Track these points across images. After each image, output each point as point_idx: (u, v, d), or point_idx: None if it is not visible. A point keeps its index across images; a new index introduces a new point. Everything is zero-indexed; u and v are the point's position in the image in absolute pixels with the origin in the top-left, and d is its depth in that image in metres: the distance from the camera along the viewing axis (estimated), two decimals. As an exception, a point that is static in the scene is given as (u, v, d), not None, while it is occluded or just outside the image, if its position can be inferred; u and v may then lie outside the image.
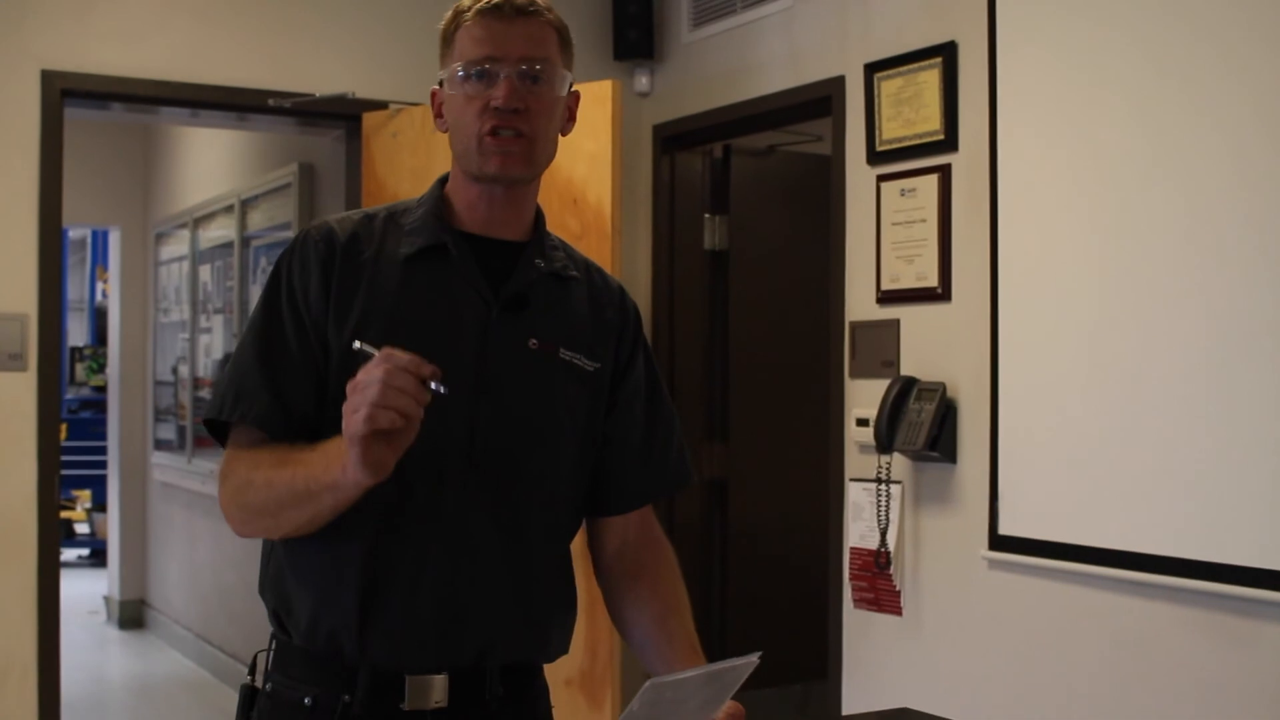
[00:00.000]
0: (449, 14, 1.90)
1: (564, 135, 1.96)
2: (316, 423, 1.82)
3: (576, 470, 1.96)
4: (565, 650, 2.00)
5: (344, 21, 4.61)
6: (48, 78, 4.18)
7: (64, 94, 4.20)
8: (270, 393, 1.82)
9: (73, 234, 11.81)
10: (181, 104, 4.46)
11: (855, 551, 4.08)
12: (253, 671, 1.94)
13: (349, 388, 1.60)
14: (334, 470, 1.65)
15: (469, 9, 1.86)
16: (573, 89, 1.94)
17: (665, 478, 2.07)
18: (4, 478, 4.15)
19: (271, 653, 1.91)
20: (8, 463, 4.15)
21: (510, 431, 1.86)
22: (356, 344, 1.67)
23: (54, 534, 4.26)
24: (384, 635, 1.81)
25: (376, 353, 1.61)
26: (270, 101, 4.47)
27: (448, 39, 1.89)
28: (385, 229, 1.91)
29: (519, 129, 1.83)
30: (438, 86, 1.91)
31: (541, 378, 1.89)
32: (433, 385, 1.60)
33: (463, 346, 1.84)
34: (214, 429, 1.89)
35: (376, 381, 1.57)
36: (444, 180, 1.97)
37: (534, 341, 1.89)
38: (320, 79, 4.54)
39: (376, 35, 4.62)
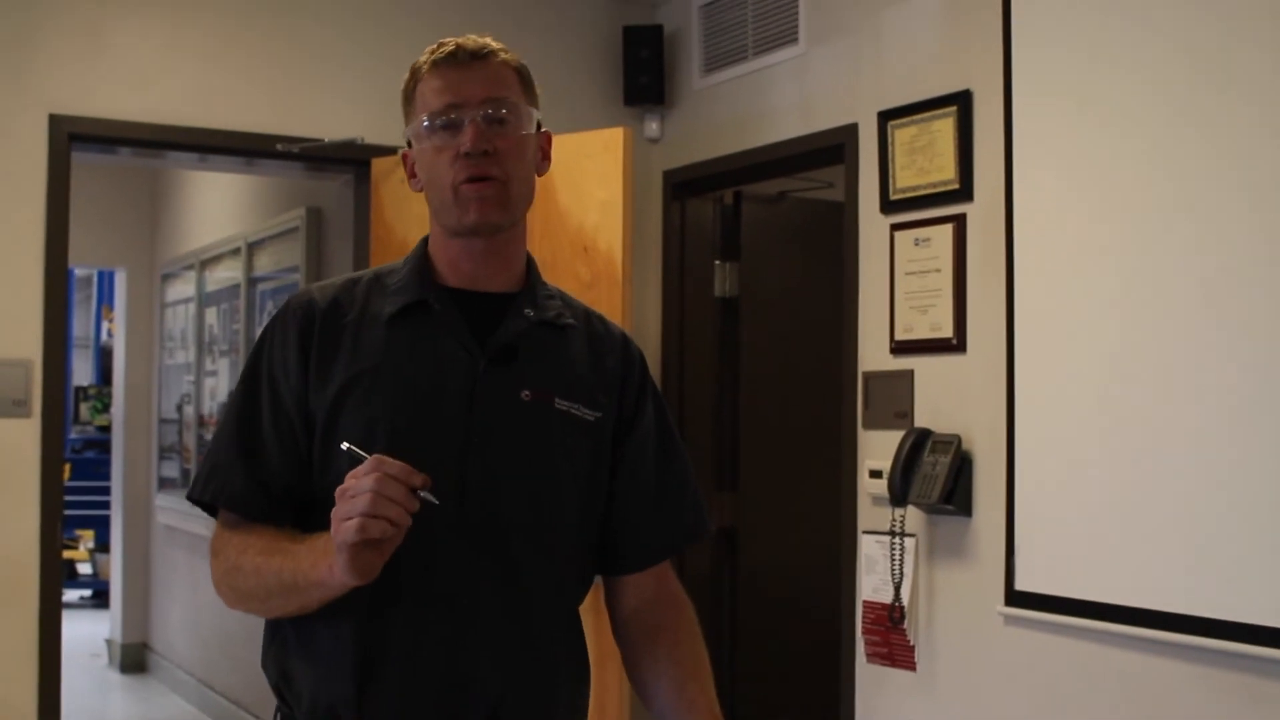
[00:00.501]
0: (407, 74, 1.89)
1: (540, 175, 1.93)
2: (302, 493, 1.80)
3: (581, 524, 1.90)
4: None
5: (353, 66, 4.59)
6: (55, 121, 4.15)
7: (71, 138, 4.17)
8: (245, 473, 1.80)
9: (79, 272, 11.80)
10: (189, 148, 4.43)
11: (868, 605, 4.02)
12: None
13: (338, 493, 1.59)
14: (321, 569, 1.64)
15: (424, 63, 1.85)
16: (542, 129, 1.91)
17: (681, 531, 2.00)
18: (6, 524, 4.10)
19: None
20: (10, 509, 4.10)
21: (504, 488, 1.80)
22: (345, 445, 1.66)
23: (56, 581, 4.20)
24: (384, 710, 1.76)
25: (365, 456, 1.60)
26: (279, 146, 4.44)
27: (409, 97, 1.87)
28: (369, 291, 1.88)
29: (490, 173, 1.80)
30: (407, 148, 1.89)
31: (536, 430, 1.84)
32: (422, 494, 1.59)
33: (450, 403, 1.80)
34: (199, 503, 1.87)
35: (367, 491, 1.56)
36: (428, 240, 1.94)
37: (526, 393, 1.84)
38: (329, 123, 4.51)
39: (386, 80, 4.54)
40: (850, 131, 4.21)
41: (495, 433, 1.81)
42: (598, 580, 2.00)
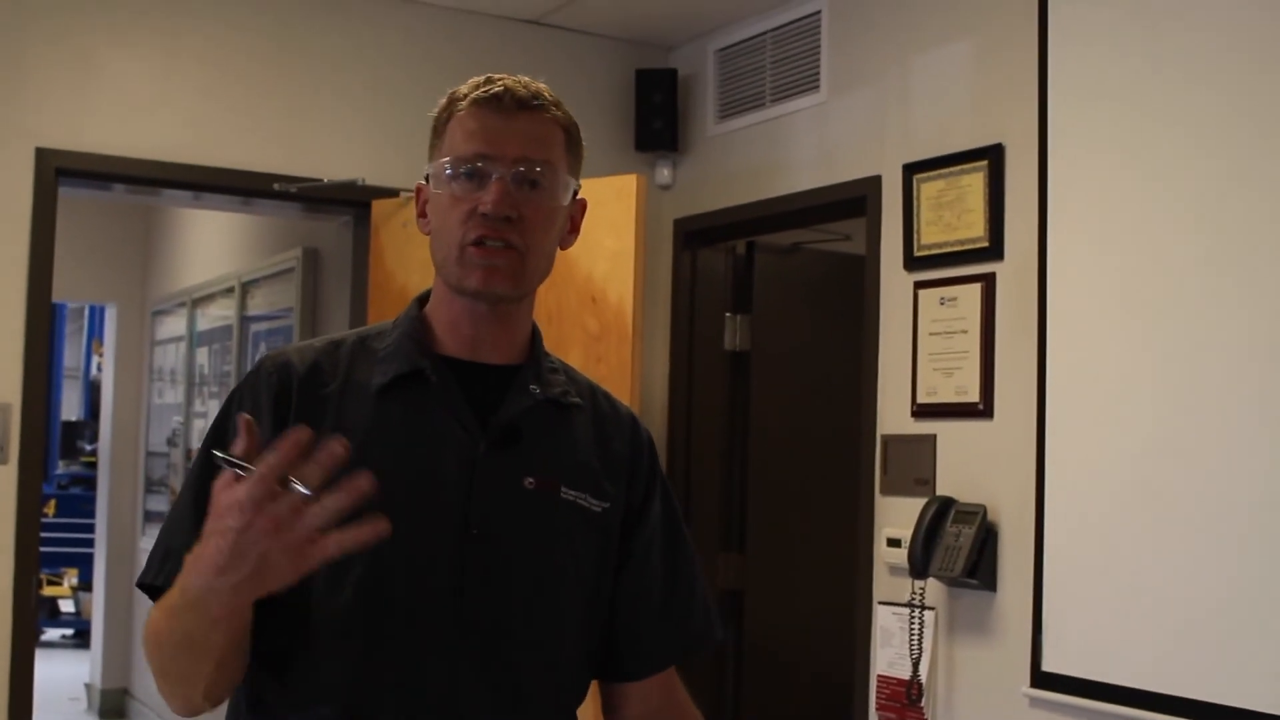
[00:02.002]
0: (443, 100, 1.68)
1: (564, 249, 1.73)
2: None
3: (584, 627, 1.69)
4: None
5: (356, 104, 4.42)
6: (42, 155, 3.97)
7: (59, 173, 3.99)
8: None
9: (71, 303, 11.63)
10: (182, 186, 4.25)
11: (883, 679, 3.82)
12: None
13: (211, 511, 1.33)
14: (187, 578, 1.37)
15: (464, 97, 1.65)
16: (578, 197, 1.71)
17: (690, 637, 1.80)
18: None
19: None
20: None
21: (505, 586, 1.60)
22: (218, 454, 1.36)
23: (29, 635, 4.00)
24: None
25: (247, 467, 1.32)
26: (276, 185, 4.27)
27: (439, 129, 1.67)
28: (354, 357, 1.66)
29: (509, 240, 1.59)
30: (423, 181, 1.68)
31: (540, 521, 1.63)
32: (294, 486, 1.31)
33: (446, 490, 1.59)
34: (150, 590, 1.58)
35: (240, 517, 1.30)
36: (423, 299, 1.72)
37: (530, 480, 1.63)
38: (328, 163, 4.33)
39: (390, 120, 4.42)
40: (873, 184, 4.05)
41: (495, 524, 1.60)
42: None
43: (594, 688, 1.78)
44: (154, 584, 1.56)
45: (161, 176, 4.16)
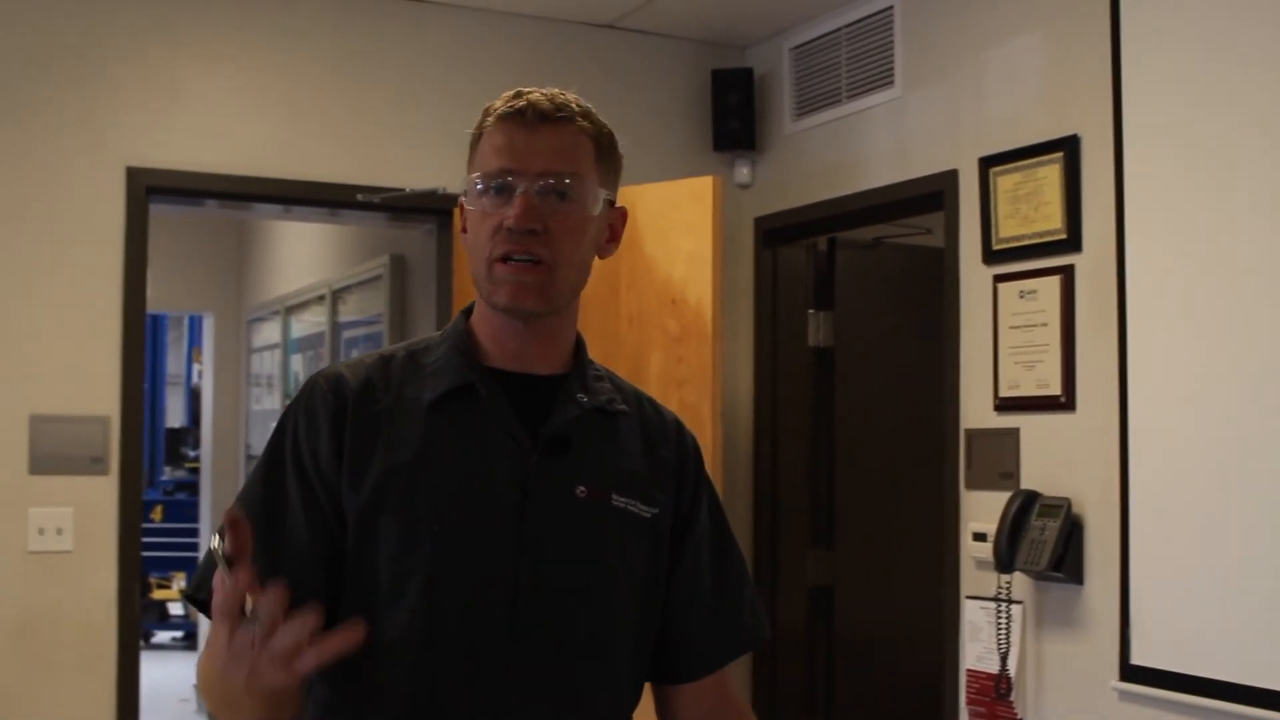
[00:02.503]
0: (480, 115, 1.70)
1: (603, 258, 1.73)
2: (327, 596, 1.58)
3: (639, 634, 1.72)
4: None
5: (433, 114, 4.49)
6: (132, 175, 4.08)
7: (149, 191, 4.10)
8: (271, 580, 1.53)
9: (170, 313, 11.87)
10: (266, 199, 4.35)
11: (972, 674, 3.82)
12: None
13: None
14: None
15: (494, 112, 1.66)
16: (616, 206, 1.71)
17: (740, 638, 1.83)
18: (85, 583, 4.02)
19: None
20: (88, 568, 4.02)
21: (560, 596, 1.62)
22: (214, 542, 1.39)
23: (134, 642, 4.11)
24: None
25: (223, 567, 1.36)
26: (359, 196, 4.35)
27: (473, 144, 1.69)
28: (404, 372, 1.68)
29: (536, 254, 1.60)
30: (463, 197, 1.70)
31: (593, 530, 1.65)
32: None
33: (500, 502, 1.61)
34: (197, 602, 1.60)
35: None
36: (469, 311, 1.75)
37: (582, 489, 1.65)
38: (410, 173, 4.41)
39: (468, 129, 4.48)
40: (950, 178, 4.04)
41: (549, 534, 1.62)
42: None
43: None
44: (200, 597, 1.57)
45: (246, 191, 4.26)
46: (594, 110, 1.69)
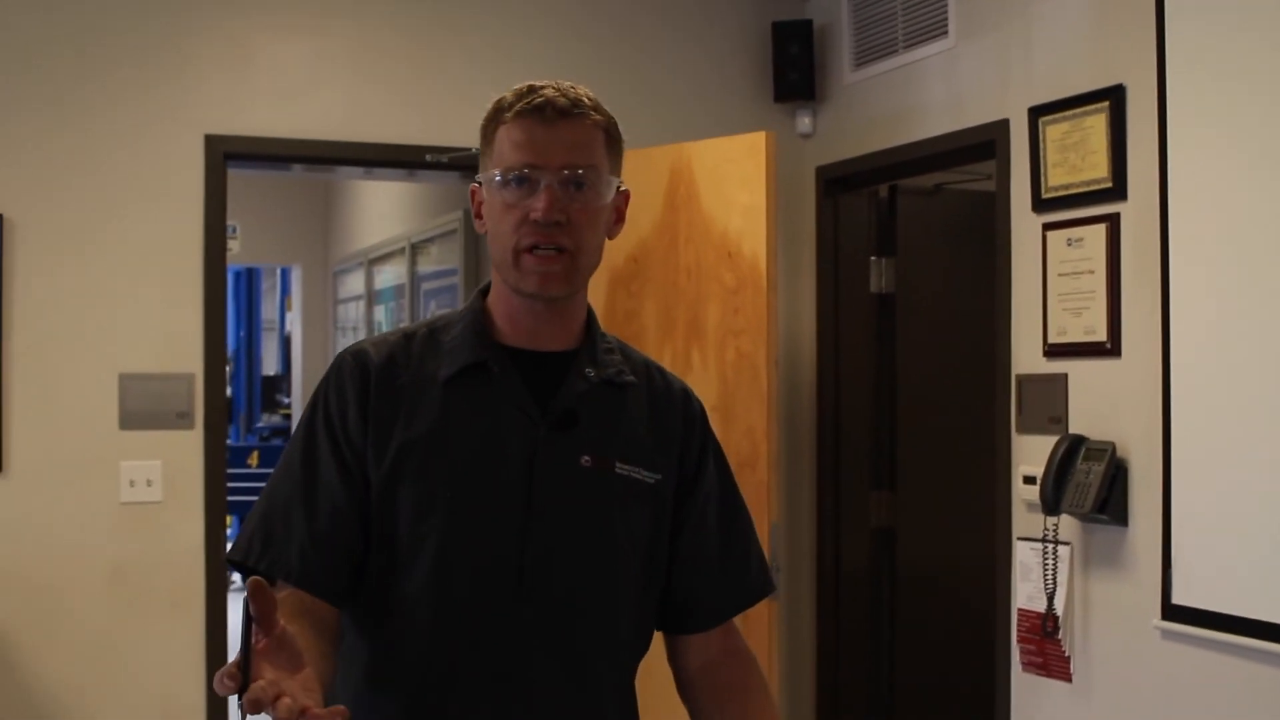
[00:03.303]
0: (490, 108, 1.79)
1: (611, 239, 1.84)
2: (359, 556, 1.74)
3: (642, 591, 1.85)
4: None
5: (499, 73, 4.60)
6: (210, 142, 4.27)
7: (226, 157, 4.28)
8: (309, 543, 1.71)
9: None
10: (338, 162, 4.52)
11: (1023, 613, 3.93)
12: None
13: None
14: None
15: (510, 107, 1.75)
16: (621, 189, 1.83)
17: (747, 590, 1.96)
18: (173, 533, 4.24)
19: None
20: (176, 518, 4.24)
21: (565, 559, 1.76)
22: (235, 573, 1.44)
23: (222, 587, 4.33)
24: None
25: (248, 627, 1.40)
26: (428, 157, 4.50)
27: (487, 136, 1.79)
28: (424, 348, 1.81)
29: (560, 244, 1.72)
30: (476, 184, 1.80)
31: (597, 497, 1.78)
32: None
33: (509, 471, 1.74)
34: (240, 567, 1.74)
35: None
36: (485, 290, 1.87)
37: (587, 459, 1.78)
38: (476, 132, 4.53)
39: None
40: (1001, 128, 4.10)
41: (555, 502, 1.75)
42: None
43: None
44: (244, 563, 1.72)
45: (319, 154, 4.44)
46: (600, 101, 1.80)
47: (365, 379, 1.77)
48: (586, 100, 1.77)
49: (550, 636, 1.75)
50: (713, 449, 1.94)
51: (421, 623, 1.72)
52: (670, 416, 1.89)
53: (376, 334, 1.89)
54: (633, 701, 1.89)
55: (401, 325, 1.94)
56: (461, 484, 1.73)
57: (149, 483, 4.20)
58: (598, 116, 1.77)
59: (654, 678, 1.98)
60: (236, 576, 10.47)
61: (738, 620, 1.98)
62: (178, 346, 4.25)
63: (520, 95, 1.76)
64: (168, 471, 4.24)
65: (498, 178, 1.74)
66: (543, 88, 1.76)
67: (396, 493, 1.73)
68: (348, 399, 1.76)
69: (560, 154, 1.73)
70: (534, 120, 1.73)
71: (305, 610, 1.66)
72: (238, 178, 4.48)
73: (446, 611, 1.72)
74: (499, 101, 1.78)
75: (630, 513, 1.81)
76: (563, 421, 1.78)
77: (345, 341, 8.01)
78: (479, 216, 1.82)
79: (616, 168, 1.81)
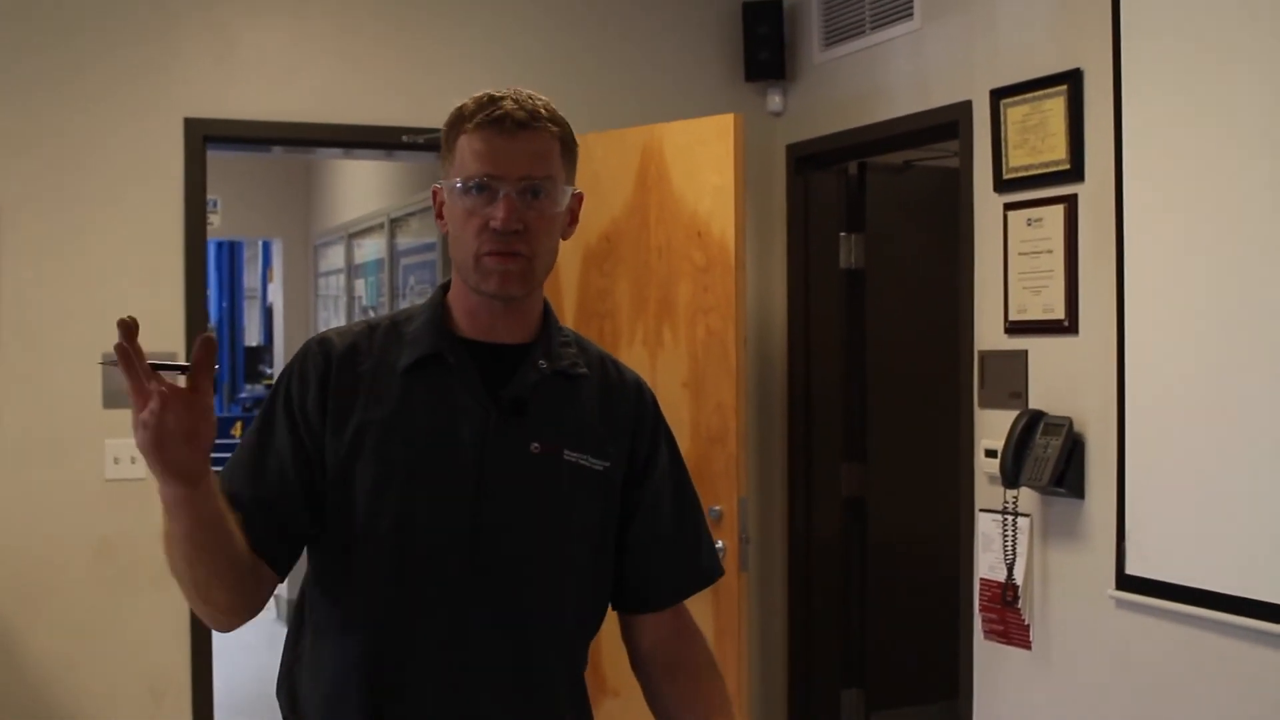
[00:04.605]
0: (451, 114, 1.87)
1: (565, 239, 1.94)
2: (300, 529, 1.85)
3: (591, 572, 1.96)
4: None
5: (475, 55, 4.70)
6: (190, 125, 4.34)
7: (206, 139, 4.35)
8: (255, 504, 1.81)
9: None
10: (317, 144, 4.60)
11: (985, 583, 4.05)
12: None
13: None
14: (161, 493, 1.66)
15: (471, 117, 1.83)
16: (575, 193, 1.92)
17: (697, 574, 2.07)
18: (158, 509, 4.27)
19: None
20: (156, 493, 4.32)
21: (514, 538, 1.86)
22: (100, 359, 1.61)
23: (205, 561, 4.42)
24: None
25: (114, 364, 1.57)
26: (404, 138, 4.58)
27: (449, 143, 1.86)
28: (387, 340, 1.91)
29: (518, 250, 1.81)
30: (438, 186, 1.90)
31: (544, 482, 1.89)
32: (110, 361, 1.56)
33: (462, 455, 1.85)
34: None
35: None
36: (446, 286, 1.97)
37: (535, 445, 1.88)
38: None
39: (508, 69, 4.69)
40: (964, 109, 4.20)
41: (505, 484, 1.86)
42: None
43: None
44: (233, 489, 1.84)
45: (299, 136, 4.51)
46: (556, 110, 1.89)
47: (327, 364, 1.88)
48: (544, 112, 1.86)
49: (499, 611, 1.86)
50: (665, 438, 2.05)
51: (377, 597, 1.84)
52: (622, 407, 1.99)
53: (342, 325, 2.00)
54: (581, 679, 2.00)
55: (367, 317, 2.04)
56: (416, 465, 1.84)
57: (133, 460, 4.28)
58: (554, 128, 1.86)
59: (619, 656, 2.09)
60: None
61: (697, 600, 2.09)
62: (160, 326, 4.32)
63: (481, 105, 1.84)
64: (150, 450, 4.31)
65: (459, 185, 1.83)
66: (502, 99, 1.84)
67: (354, 470, 1.84)
68: (309, 382, 1.87)
69: (519, 165, 1.82)
70: (493, 131, 1.82)
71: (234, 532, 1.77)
72: (219, 154, 4.55)
73: (402, 585, 1.83)
74: (460, 109, 1.87)
75: (578, 497, 1.92)
76: (513, 409, 1.88)
77: (327, 313, 8.09)
78: (440, 217, 1.91)
79: (571, 175, 1.91)
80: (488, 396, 1.88)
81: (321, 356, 1.89)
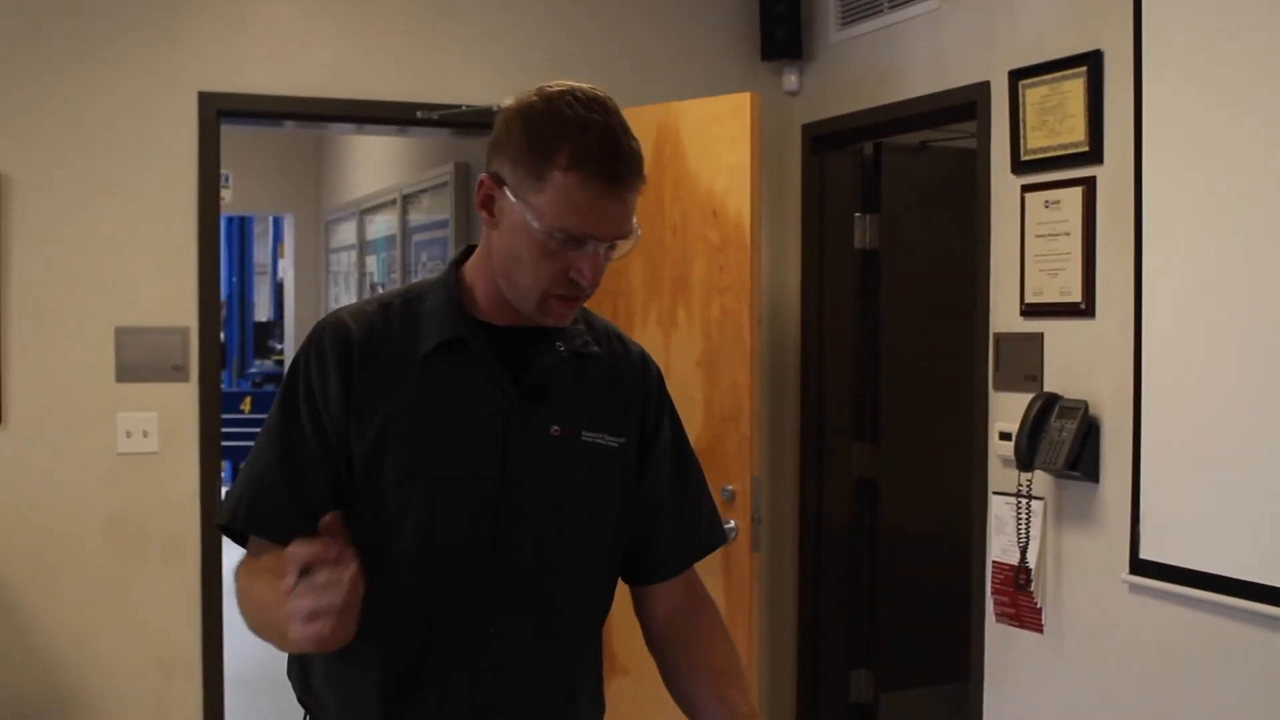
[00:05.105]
0: (549, 126, 1.70)
1: None
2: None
3: (609, 551, 1.96)
4: None
5: (490, 31, 4.67)
6: (204, 99, 4.32)
7: (220, 114, 4.34)
8: (289, 504, 1.79)
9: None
10: (331, 119, 4.58)
11: (997, 565, 4.04)
12: None
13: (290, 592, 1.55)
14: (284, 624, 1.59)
15: (578, 150, 1.69)
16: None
17: (699, 541, 2.06)
18: (169, 484, 4.33)
19: None
20: (171, 469, 4.33)
21: (536, 524, 1.85)
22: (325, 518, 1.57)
23: (216, 536, 4.41)
24: None
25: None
26: (419, 114, 4.56)
27: (535, 154, 1.71)
28: (403, 321, 1.86)
29: (587, 294, 1.80)
30: (496, 182, 1.77)
31: (565, 465, 1.88)
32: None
33: (485, 443, 1.83)
34: (229, 531, 1.86)
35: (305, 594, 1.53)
36: (459, 260, 1.92)
37: (555, 428, 1.87)
38: (467, 88, 4.60)
39: (521, 44, 4.68)
40: (982, 90, 4.17)
41: (527, 470, 1.84)
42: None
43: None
44: (232, 527, 1.84)
45: (311, 111, 4.50)
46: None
47: (347, 354, 1.83)
48: (639, 151, 1.76)
49: (523, 596, 1.85)
50: (668, 408, 2.04)
51: (403, 587, 1.82)
52: (630, 381, 1.98)
53: (353, 303, 1.95)
54: (599, 654, 2.01)
55: (376, 293, 2.00)
56: (441, 455, 1.81)
57: (145, 434, 4.29)
58: (643, 169, 1.77)
59: (630, 634, 2.08)
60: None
61: (710, 571, 2.08)
62: (173, 301, 4.32)
63: (589, 140, 1.70)
64: (164, 423, 4.32)
65: (546, 232, 1.72)
66: (614, 133, 1.72)
67: (381, 464, 1.81)
68: (329, 374, 1.82)
69: (616, 225, 1.74)
70: (598, 180, 1.70)
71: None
72: (231, 129, 4.53)
73: (430, 574, 1.82)
74: (559, 122, 1.71)
75: (598, 477, 1.91)
76: (534, 394, 1.86)
77: (338, 289, 8.08)
78: (488, 212, 1.80)
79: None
80: (509, 382, 1.86)
81: (340, 345, 1.83)
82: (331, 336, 1.85)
